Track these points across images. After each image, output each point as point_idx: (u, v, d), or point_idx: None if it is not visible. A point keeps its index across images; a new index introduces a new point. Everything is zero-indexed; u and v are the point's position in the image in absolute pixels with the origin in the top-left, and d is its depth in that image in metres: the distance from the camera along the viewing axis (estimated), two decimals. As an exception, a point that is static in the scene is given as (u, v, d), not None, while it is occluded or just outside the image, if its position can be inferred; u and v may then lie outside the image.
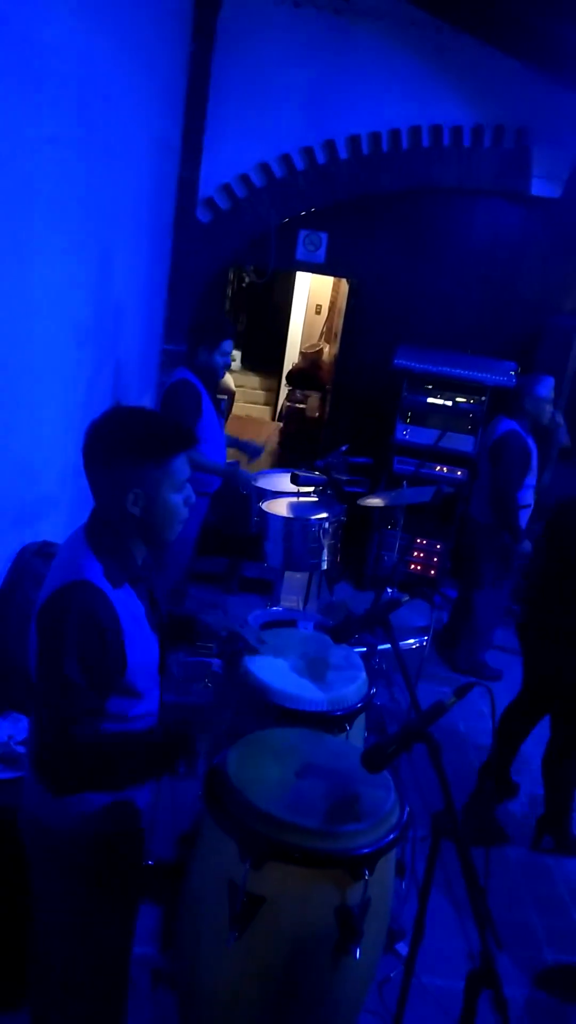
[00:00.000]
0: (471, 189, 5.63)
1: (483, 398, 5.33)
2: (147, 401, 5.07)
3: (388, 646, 3.37)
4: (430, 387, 5.43)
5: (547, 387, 4.52)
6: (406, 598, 2.36)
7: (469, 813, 3.51)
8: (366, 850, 1.81)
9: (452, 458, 5.36)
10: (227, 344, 4.05)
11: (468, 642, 4.80)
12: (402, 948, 2.78)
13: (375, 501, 4.00)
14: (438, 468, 5.35)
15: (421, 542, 5.45)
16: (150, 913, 2.73)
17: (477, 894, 1.81)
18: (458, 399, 5.39)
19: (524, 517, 4.60)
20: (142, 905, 2.06)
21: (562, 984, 2.93)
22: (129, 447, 1.72)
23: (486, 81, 5.30)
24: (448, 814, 1.82)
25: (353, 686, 2.32)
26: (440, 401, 5.41)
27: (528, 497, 4.61)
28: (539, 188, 5.48)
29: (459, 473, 5.34)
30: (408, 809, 1.96)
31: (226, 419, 4.55)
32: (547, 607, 3.39)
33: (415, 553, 5.51)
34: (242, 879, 1.80)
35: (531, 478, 4.59)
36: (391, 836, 1.86)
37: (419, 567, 5.54)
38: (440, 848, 1.99)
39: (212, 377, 4.08)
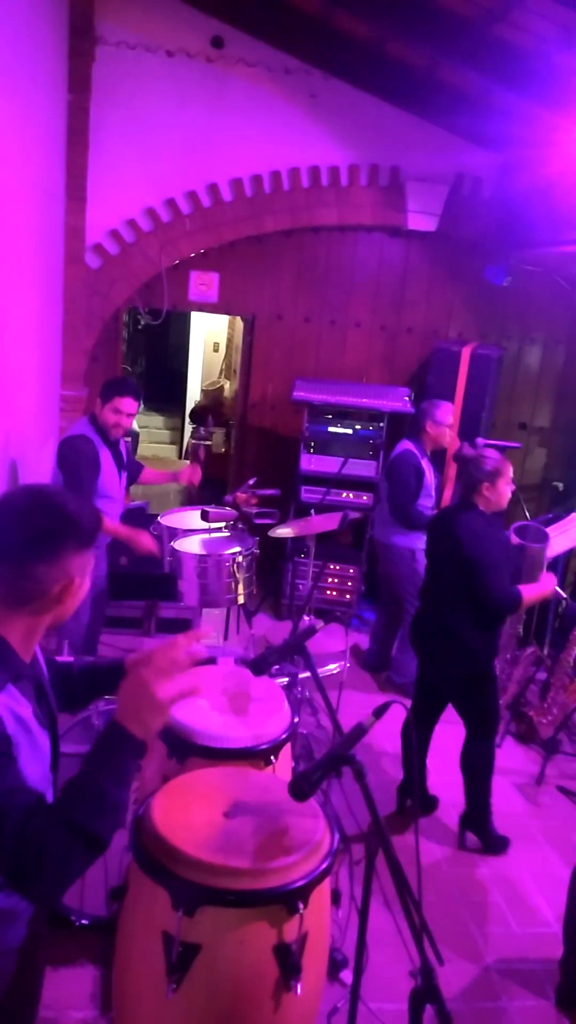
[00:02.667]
0: (352, 225, 5.84)
1: (381, 424, 5.50)
2: (50, 447, 5.00)
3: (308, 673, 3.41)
4: (330, 417, 5.56)
5: (446, 412, 4.74)
6: (320, 625, 2.41)
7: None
8: (299, 883, 1.81)
9: (357, 484, 5.49)
10: (123, 403, 3.93)
11: (401, 658, 4.91)
12: (347, 976, 2.78)
13: (285, 531, 4.05)
14: (344, 495, 5.47)
15: (334, 568, 5.54)
16: (87, 974, 2.67)
17: (412, 911, 1.84)
18: (357, 427, 5.54)
19: (421, 534, 4.76)
20: (79, 967, 2.01)
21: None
22: (70, 533, 1.54)
23: (359, 122, 5.54)
24: (378, 834, 1.85)
25: (276, 718, 2.34)
26: (341, 430, 5.55)
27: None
28: (415, 222, 5.73)
29: (364, 498, 5.47)
30: (338, 835, 1.98)
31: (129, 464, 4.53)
32: (429, 610, 3.63)
33: (329, 579, 5.59)
34: (176, 929, 1.78)
35: (427, 499, 4.77)
36: (323, 866, 1.87)
37: (334, 592, 5.63)
38: (374, 870, 2.02)
39: (106, 432, 3.99)
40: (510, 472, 3.45)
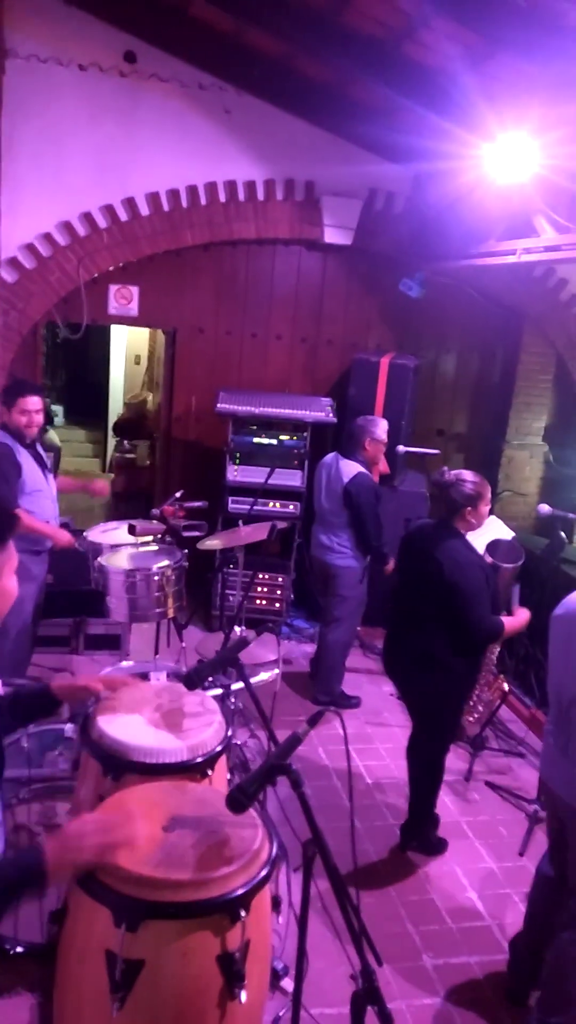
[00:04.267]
0: (270, 239, 5.92)
1: (305, 434, 5.57)
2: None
3: (237, 686, 3.43)
4: (254, 428, 5.60)
5: (384, 429, 4.80)
6: (253, 637, 2.43)
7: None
8: (240, 891, 1.83)
9: (283, 494, 5.55)
10: (27, 402, 4.05)
11: (326, 676, 4.94)
12: (288, 984, 2.80)
13: (214, 543, 4.06)
14: (271, 505, 5.51)
15: (263, 577, 5.58)
16: (24, 1003, 2.61)
17: (351, 914, 1.89)
18: (282, 437, 5.60)
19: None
20: (15, 996, 1.98)
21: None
22: None
23: (273, 138, 5.62)
24: (315, 840, 1.89)
25: (210, 730, 2.35)
26: (266, 440, 5.60)
27: None
28: (332, 236, 5.85)
29: (291, 508, 5.53)
30: (276, 843, 2.01)
31: (55, 475, 4.50)
32: (406, 633, 3.55)
33: (258, 588, 5.62)
34: (119, 946, 1.77)
35: None
36: (263, 873, 1.89)
37: (264, 601, 5.66)
38: (312, 876, 2.05)
39: (21, 435, 4.09)
40: (489, 493, 3.44)
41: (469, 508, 3.36)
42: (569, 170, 4.05)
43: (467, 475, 3.41)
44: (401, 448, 5.43)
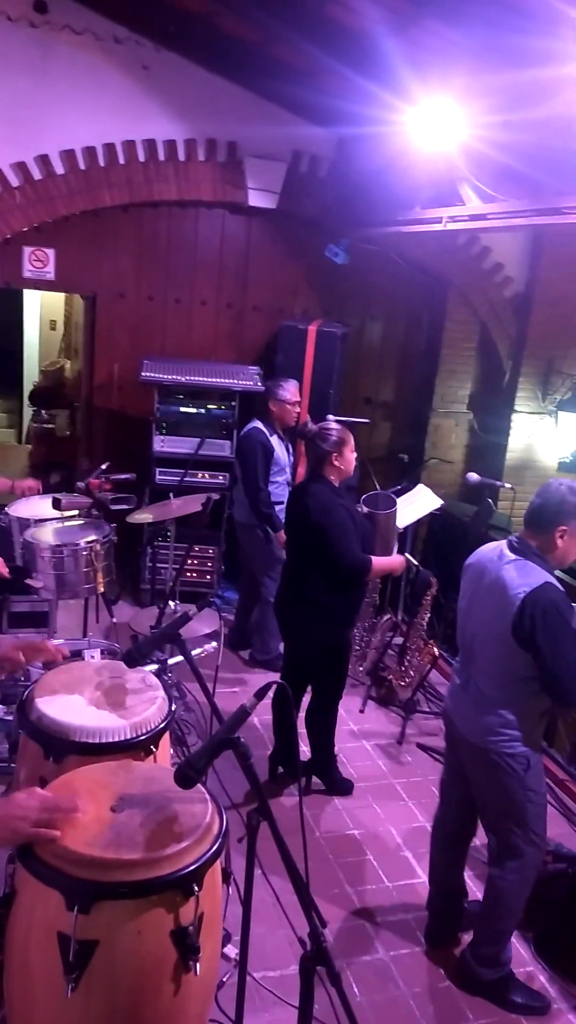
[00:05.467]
0: (192, 201, 5.78)
1: (233, 403, 5.50)
2: None
3: (178, 659, 3.41)
4: (181, 397, 5.50)
5: (289, 390, 4.81)
6: (194, 612, 2.40)
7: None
8: (193, 866, 1.83)
9: (212, 464, 5.49)
10: None
11: (259, 637, 4.97)
12: (231, 951, 2.83)
13: (145, 517, 4.00)
14: (200, 475, 5.45)
15: (194, 549, 5.52)
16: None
17: (300, 881, 1.90)
18: (210, 406, 5.52)
19: (280, 513, 4.86)
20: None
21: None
22: None
23: (194, 96, 5.46)
24: (263, 810, 1.90)
25: (153, 707, 2.32)
26: (192, 410, 5.51)
27: (282, 494, 4.86)
28: (256, 199, 5.75)
29: (220, 478, 5.48)
30: (225, 816, 2.01)
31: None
32: (288, 583, 3.75)
33: (189, 561, 5.56)
34: (72, 928, 1.75)
35: (281, 475, 4.86)
36: (214, 847, 1.89)
37: (194, 574, 5.61)
38: (256, 845, 2.07)
39: None
40: (352, 440, 3.61)
41: (335, 455, 3.54)
42: (494, 140, 4.08)
43: (330, 424, 3.63)
44: (331, 417, 5.42)
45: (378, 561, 3.56)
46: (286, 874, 1.84)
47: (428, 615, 4.74)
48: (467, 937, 3.05)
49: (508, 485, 4.80)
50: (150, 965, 1.81)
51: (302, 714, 3.88)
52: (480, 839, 3.04)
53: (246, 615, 5.19)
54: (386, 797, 3.98)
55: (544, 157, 4.21)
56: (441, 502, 4.30)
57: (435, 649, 4.65)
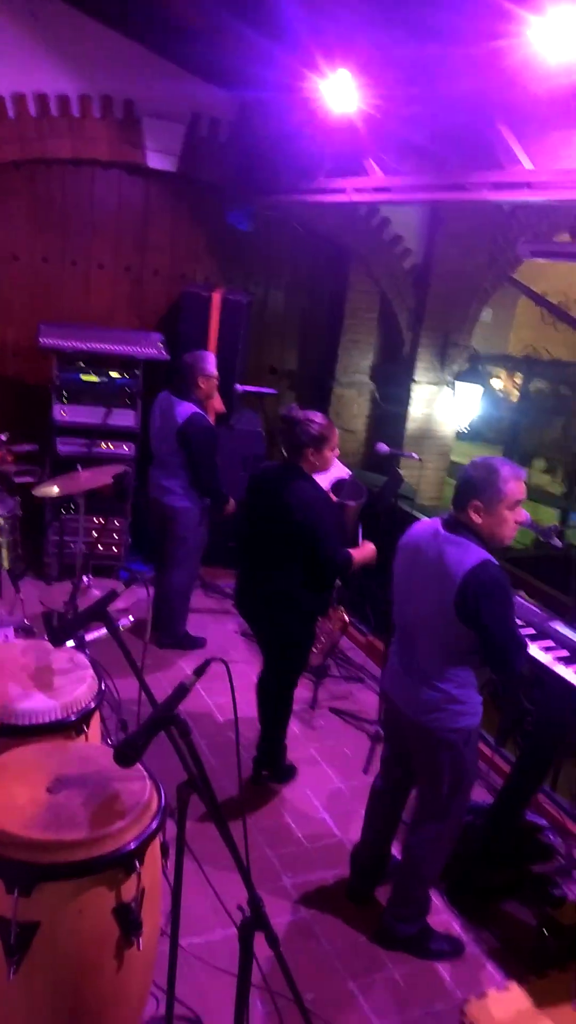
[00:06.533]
0: (88, 160, 5.56)
1: (137, 372, 5.37)
2: None
3: (94, 636, 3.34)
4: (82, 364, 5.33)
5: (212, 362, 4.69)
6: (122, 588, 2.36)
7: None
8: (134, 844, 1.83)
9: (117, 434, 5.35)
10: None
11: (168, 621, 4.88)
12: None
13: (52, 490, 3.86)
14: (104, 445, 5.31)
15: (100, 522, 5.39)
16: None
17: (236, 850, 1.93)
18: (112, 374, 5.37)
19: None
20: None
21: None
22: None
23: (88, 50, 5.23)
24: (203, 784, 1.90)
25: (84, 686, 2.28)
26: (95, 378, 5.34)
27: None
28: (154, 161, 5.58)
29: (125, 448, 5.35)
30: (163, 792, 2.01)
31: None
32: (256, 574, 3.57)
33: (94, 534, 5.44)
34: (12, 911, 1.72)
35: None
36: (155, 823, 1.90)
37: (102, 547, 5.49)
38: (186, 819, 2.08)
39: None
40: (336, 438, 3.44)
41: (312, 449, 3.35)
42: (399, 113, 4.10)
43: (317, 416, 3.41)
44: (238, 387, 5.40)
45: (357, 554, 3.47)
46: (204, 843, 1.85)
47: (338, 582, 4.81)
48: (386, 894, 3.17)
49: (417, 456, 4.90)
50: (93, 943, 1.81)
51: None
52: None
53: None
54: (302, 761, 4.05)
55: (449, 134, 4.29)
56: (350, 472, 4.35)
57: (344, 615, 4.74)
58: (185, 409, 4.56)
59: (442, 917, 3.19)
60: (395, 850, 3.34)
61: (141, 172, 5.75)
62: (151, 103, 5.45)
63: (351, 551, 3.48)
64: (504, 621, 2.54)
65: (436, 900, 3.22)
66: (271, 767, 3.88)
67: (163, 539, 4.81)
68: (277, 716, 3.79)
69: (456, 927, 3.17)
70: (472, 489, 2.60)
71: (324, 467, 3.45)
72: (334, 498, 3.80)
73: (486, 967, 3.01)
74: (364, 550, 3.60)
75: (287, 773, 3.93)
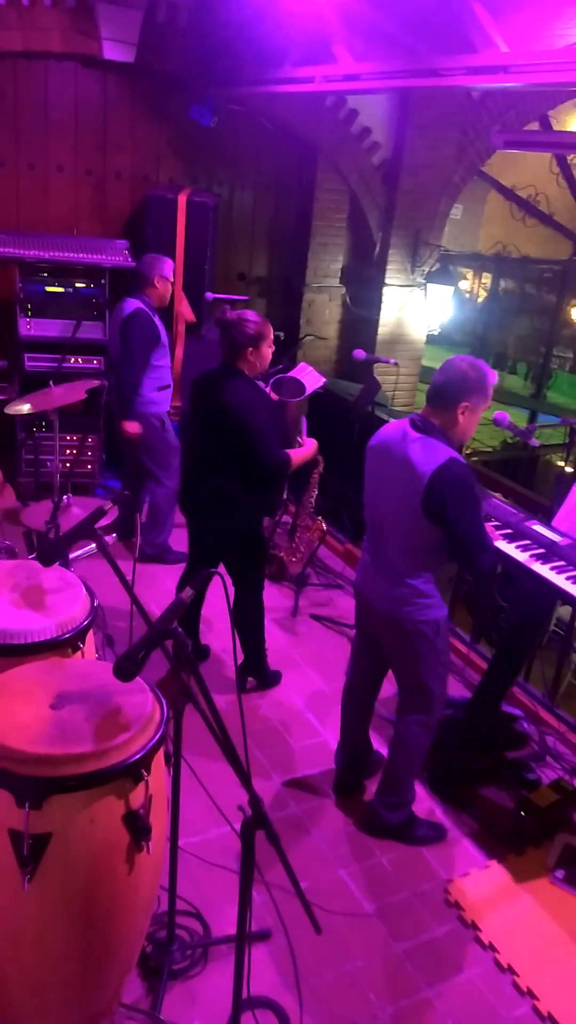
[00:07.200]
0: (40, 52, 5.22)
1: (103, 281, 5.19)
2: None
3: (77, 554, 3.35)
4: (46, 275, 5.14)
5: (170, 268, 4.60)
6: (108, 505, 2.35)
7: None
8: (141, 754, 1.88)
9: (85, 348, 5.21)
10: None
11: (148, 531, 4.89)
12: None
13: (24, 407, 3.80)
14: (72, 360, 5.19)
15: (73, 438, 5.32)
16: None
17: (235, 754, 1.99)
18: (78, 284, 5.19)
19: (167, 397, 4.73)
20: None
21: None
22: None
23: None
24: (189, 691, 1.93)
25: (77, 604, 2.30)
26: (59, 289, 5.16)
27: (166, 377, 4.72)
28: (111, 52, 5.25)
29: (95, 363, 5.23)
30: (165, 703, 2.06)
31: None
32: (198, 476, 3.60)
33: (67, 451, 5.37)
34: (24, 824, 1.78)
35: (164, 358, 4.69)
36: (159, 733, 1.95)
37: (76, 465, 5.43)
38: (182, 726, 2.15)
39: None
40: (271, 334, 3.45)
41: (251, 349, 3.36)
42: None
43: (250, 315, 3.41)
44: (209, 295, 5.27)
45: (295, 454, 3.49)
46: (195, 748, 1.89)
47: (315, 492, 4.85)
48: (371, 786, 3.33)
49: (395, 361, 4.85)
50: (104, 850, 1.89)
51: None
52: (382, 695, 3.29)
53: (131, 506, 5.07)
54: (286, 666, 4.17)
55: (420, 19, 4.08)
56: (324, 379, 4.30)
57: (323, 525, 4.79)
58: (130, 304, 4.54)
59: (425, 804, 3.37)
60: (376, 742, 3.50)
61: (98, 65, 5.42)
62: (106, -12, 5.09)
63: (290, 451, 3.51)
64: (468, 517, 2.63)
65: (419, 789, 3.39)
66: (256, 674, 3.98)
67: (132, 452, 4.77)
68: (248, 627, 3.83)
69: (439, 813, 3.35)
70: (463, 389, 2.65)
71: (263, 365, 3.46)
72: (274, 396, 3.81)
73: (468, 849, 3.20)
74: (305, 449, 3.63)
75: (272, 679, 4.04)
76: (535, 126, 6.47)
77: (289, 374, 4.19)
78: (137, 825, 1.90)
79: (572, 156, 10.52)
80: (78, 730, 1.86)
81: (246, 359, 3.38)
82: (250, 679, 4.00)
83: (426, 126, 5.99)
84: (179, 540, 5.12)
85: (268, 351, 3.44)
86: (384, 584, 2.87)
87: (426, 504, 2.59)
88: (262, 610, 3.90)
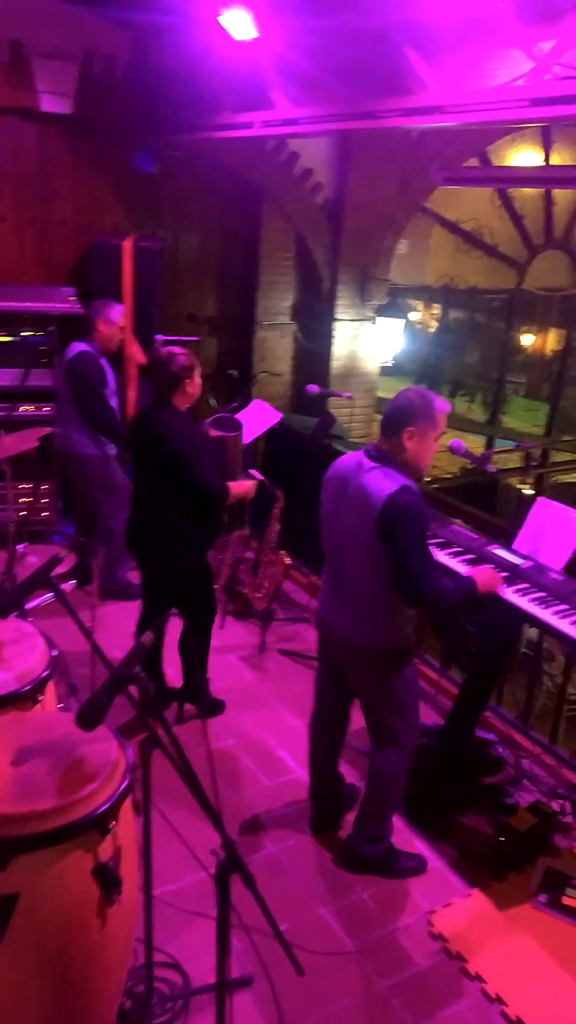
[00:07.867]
0: (-22, 106, 5.25)
1: (51, 328, 5.19)
2: None
3: (35, 604, 3.30)
4: (-8, 324, 5.12)
5: (118, 312, 4.67)
6: (64, 553, 2.32)
7: None
8: (106, 805, 1.84)
9: (36, 395, 5.18)
10: None
11: (108, 569, 4.86)
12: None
13: (-25, 458, 3.76)
14: (22, 408, 5.15)
15: (26, 487, 5.26)
16: None
17: (205, 798, 1.96)
18: (24, 333, 5.18)
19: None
20: None
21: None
22: None
23: (-34, -14, 4.88)
24: (170, 740, 1.92)
25: (35, 654, 2.26)
26: (7, 337, 5.15)
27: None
28: (49, 104, 5.31)
29: (46, 409, 5.20)
30: (130, 750, 2.02)
31: None
32: (141, 512, 3.66)
33: (20, 500, 5.30)
34: (-11, 886, 1.72)
35: (112, 400, 4.74)
36: (125, 782, 1.91)
37: (32, 513, 5.36)
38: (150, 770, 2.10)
39: None
40: (197, 364, 3.57)
41: (187, 380, 3.49)
42: (301, 45, 3.98)
43: (176, 349, 3.55)
44: (159, 337, 5.27)
45: (234, 487, 3.57)
46: (165, 793, 1.87)
47: (277, 527, 4.84)
48: (348, 819, 3.28)
49: (349, 394, 4.90)
50: (75, 906, 1.83)
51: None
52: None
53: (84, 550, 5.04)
54: (255, 704, 4.12)
55: (354, 65, 4.18)
56: (280, 415, 4.34)
57: (286, 559, 4.78)
58: (75, 347, 4.67)
59: (403, 836, 3.33)
60: (350, 775, 3.46)
61: (36, 117, 5.46)
62: (40, 43, 5.15)
63: (231, 484, 3.59)
64: (414, 543, 2.63)
65: (396, 820, 3.35)
66: (195, 701, 3.95)
67: (81, 494, 4.82)
68: (192, 660, 3.82)
69: (417, 844, 3.32)
70: (408, 416, 2.69)
71: (196, 393, 3.58)
72: (214, 432, 3.93)
73: (449, 878, 3.16)
74: (244, 484, 3.73)
75: (213, 707, 4.01)
76: (475, 162, 6.63)
77: (240, 412, 4.25)
78: (107, 878, 1.85)
79: (512, 189, 10.82)
80: (40, 785, 1.81)
81: (183, 391, 3.50)
82: (188, 706, 3.97)
83: (367, 166, 6.12)
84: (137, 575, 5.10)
85: (199, 379, 3.56)
86: (347, 613, 2.86)
87: (379, 527, 2.61)
88: (208, 643, 3.90)
